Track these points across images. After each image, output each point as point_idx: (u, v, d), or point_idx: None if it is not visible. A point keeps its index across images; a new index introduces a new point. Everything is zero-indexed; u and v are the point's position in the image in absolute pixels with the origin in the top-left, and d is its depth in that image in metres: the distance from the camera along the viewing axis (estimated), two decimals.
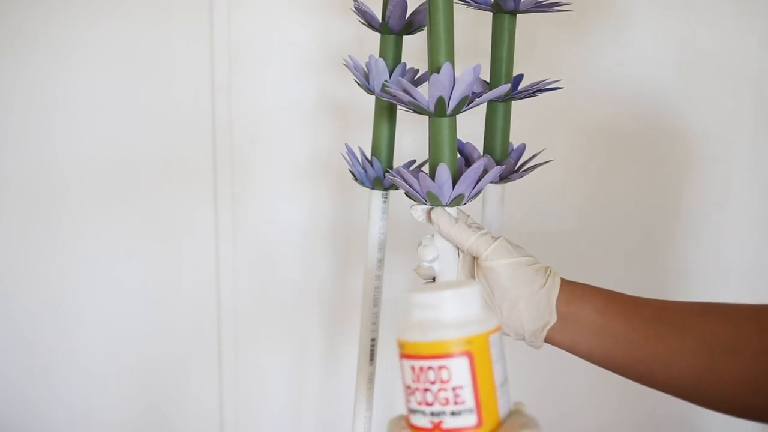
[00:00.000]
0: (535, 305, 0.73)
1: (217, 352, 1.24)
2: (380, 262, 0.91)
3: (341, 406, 1.26)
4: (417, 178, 0.76)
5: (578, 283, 0.75)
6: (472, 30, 1.07)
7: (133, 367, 1.24)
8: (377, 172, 0.89)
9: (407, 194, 0.79)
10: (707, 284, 1.22)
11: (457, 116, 0.77)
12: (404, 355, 0.54)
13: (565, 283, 0.74)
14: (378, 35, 0.89)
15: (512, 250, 0.75)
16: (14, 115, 1.16)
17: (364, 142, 0.93)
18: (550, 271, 0.74)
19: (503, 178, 0.87)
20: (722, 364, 0.66)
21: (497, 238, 0.75)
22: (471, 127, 0.89)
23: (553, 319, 0.72)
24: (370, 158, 0.90)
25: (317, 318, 1.26)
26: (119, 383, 1.24)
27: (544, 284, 0.73)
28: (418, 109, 0.76)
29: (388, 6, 0.86)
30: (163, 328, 1.23)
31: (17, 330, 1.20)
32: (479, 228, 0.77)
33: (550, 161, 0.89)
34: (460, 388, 0.52)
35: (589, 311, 0.72)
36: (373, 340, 0.92)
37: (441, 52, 0.75)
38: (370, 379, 0.92)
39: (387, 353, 1.21)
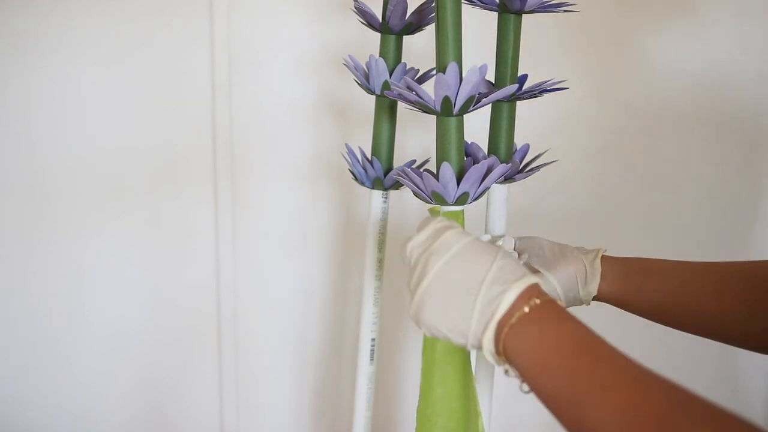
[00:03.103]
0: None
1: (217, 352, 1.24)
2: (380, 262, 0.91)
3: (341, 406, 1.26)
4: (421, 177, 0.76)
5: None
6: (477, 30, 1.07)
7: (133, 367, 1.24)
8: (377, 172, 0.89)
9: (415, 194, 0.79)
10: None
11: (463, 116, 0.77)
12: None
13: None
14: (378, 35, 0.89)
15: None
16: (14, 115, 1.16)
17: (364, 142, 0.93)
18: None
19: (508, 179, 0.86)
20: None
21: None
22: (474, 128, 0.89)
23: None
24: (370, 158, 0.90)
25: (317, 318, 1.26)
26: (119, 383, 1.24)
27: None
28: (425, 109, 0.76)
29: (388, 6, 0.86)
30: (163, 328, 1.23)
31: (16, 330, 1.20)
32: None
33: (554, 161, 0.89)
34: None
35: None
36: (373, 340, 0.92)
37: (449, 52, 0.75)
38: (370, 379, 0.92)
39: (387, 353, 1.22)
